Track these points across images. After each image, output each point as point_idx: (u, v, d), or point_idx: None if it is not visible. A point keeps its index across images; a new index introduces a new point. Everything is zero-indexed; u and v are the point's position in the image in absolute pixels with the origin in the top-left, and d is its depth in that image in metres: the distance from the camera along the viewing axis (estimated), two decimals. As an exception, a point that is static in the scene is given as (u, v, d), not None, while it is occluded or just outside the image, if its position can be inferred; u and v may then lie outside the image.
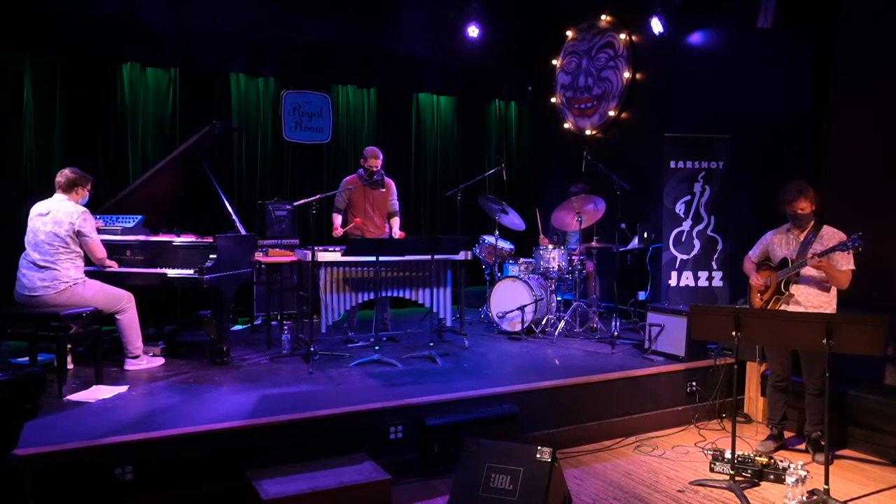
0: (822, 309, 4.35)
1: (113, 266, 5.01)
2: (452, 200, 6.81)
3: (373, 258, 5.16)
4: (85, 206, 4.84)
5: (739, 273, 6.10)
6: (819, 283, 4.38)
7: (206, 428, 3.69)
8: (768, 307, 4.48)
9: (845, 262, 4.26)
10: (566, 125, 8.51)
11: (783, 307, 4.45)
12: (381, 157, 6.02)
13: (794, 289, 4.44)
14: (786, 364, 4.56)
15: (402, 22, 7.87)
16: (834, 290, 4.40)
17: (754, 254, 4.71)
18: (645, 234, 6.92)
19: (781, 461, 4.07)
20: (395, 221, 6.25)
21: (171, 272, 5.02)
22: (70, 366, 4.90)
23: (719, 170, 6.12)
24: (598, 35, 8.03)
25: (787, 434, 4.73)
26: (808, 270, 4.36)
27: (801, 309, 4.38)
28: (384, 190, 6.13)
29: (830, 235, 4.34)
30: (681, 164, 6.15)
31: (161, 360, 5.17)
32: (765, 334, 4.00)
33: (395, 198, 6.24)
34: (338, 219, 6.09)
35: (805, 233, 4.44)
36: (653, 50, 7.38)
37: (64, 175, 4.80)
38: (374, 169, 5.97)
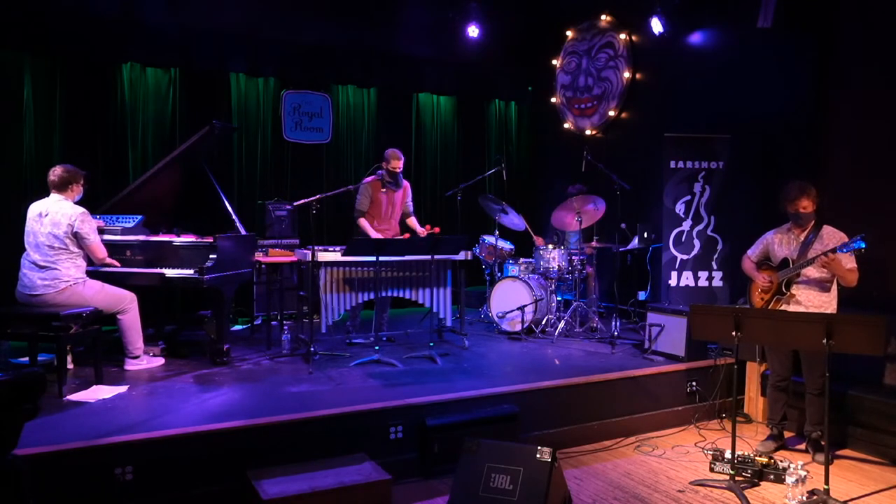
0: (823, 309, 4.34)
1: (115, 265, 5.00)
2: (452, 200, 6.81)
3: (373, 258, 5.16)
4: (82, 203, 4.82)
5: (739, 273, 6.09)
6: (820, 284, 4.38)
7: (206, 428, 3.69)
8: (769, 307, 4.48)
9: (848, 261, 4.24)
10: (566, 125, 8.51)
11: (784, 307, 4.45)
12: (403, 158, 6.02)
13: (794, 289, 4.43)
14: (786, 364, 4.55)
15: (402, 22, 7.87)
16: (834, 291, 4.40)
17: (754, 253, 4.70)
18: (645, 234, 6.92)
19: (781, 461, 4.07)
20: (414, 221, 6.27)
21: (171, 272, 5.02)
22: (70, 366, 4.91)
23: (719, 170, 6.11)
24: (598, 35, 8.03)
25: (787, 434, 4.72)
26: (808, 271, 4.36)
27: (801, 309, 4.37)
28: (401, 191, 6.15)
29: (830, 235, 4.34)
30: (681, 164, 6.15)
31: (161, 360, 5.17)
32: (765, 334, 4.00)
33: (411, 198, 6.28)
34: (366, 223, 6.00)
35: (805, 232, 4.43)
36: (653, 50, 7.38)
37: (56, 174, 4.74)
38: (398, 171, 5.98)
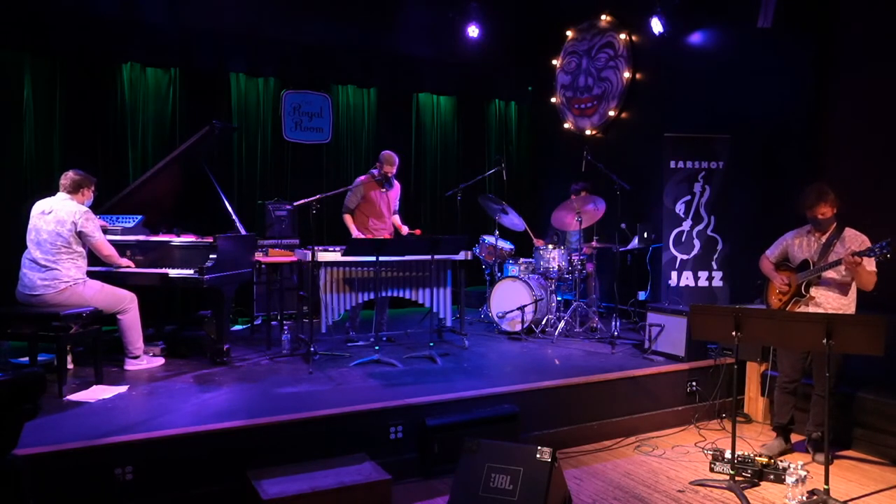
0: (842, 311, 4.25)
1: (130, 266, 5.00)
2: (452, 200, 6.81)
3: (373, 258, 5.16)
4: (88, 207, 4.84)
5: (740, 273, 6.09)
6: (839, 286, 4.29)
7: (206, 428, 3.69)
8: (786, 309, 4.42)
9: (869, 264, 4.15)
10: (566, 125, 8.51)
11: (802, 309, 4.36)
12: (398, 163, 6.07)
13: (814, 291, 4.35)
14: (798, 366, 4.46)
15: (402, 22, 7.87)
16: (853, 294, 4.32)
17: (772, 254, 4.60)
18: (645, 234, 6.93)
19: (781, 461, 4.06)
20: (397, 219, 6.34)
21: (172, 272, 5.02)
22: (70, 366, 4.90)
23: (719, 170, 6.11)
24: (598, 35, 8.03)
25: (794, 438, 4.62)
26: (828, 273, 4.29)
27: (820, 311, 4.29)
28: (394, 190, 6.22)
29: (853, 238, 4.26)
30: (681, 164, 6.15)
31: (161, 360, 5.17)
32: (765, 334, 3.98)
33: (399, 197, 6.35)
34: (350, 220, 6.08)
35: (826, 235, 4.35)
36: (653, 50, 7.38)
37: (68, 178, 4.80)
38: (391, 175, 6.04)
